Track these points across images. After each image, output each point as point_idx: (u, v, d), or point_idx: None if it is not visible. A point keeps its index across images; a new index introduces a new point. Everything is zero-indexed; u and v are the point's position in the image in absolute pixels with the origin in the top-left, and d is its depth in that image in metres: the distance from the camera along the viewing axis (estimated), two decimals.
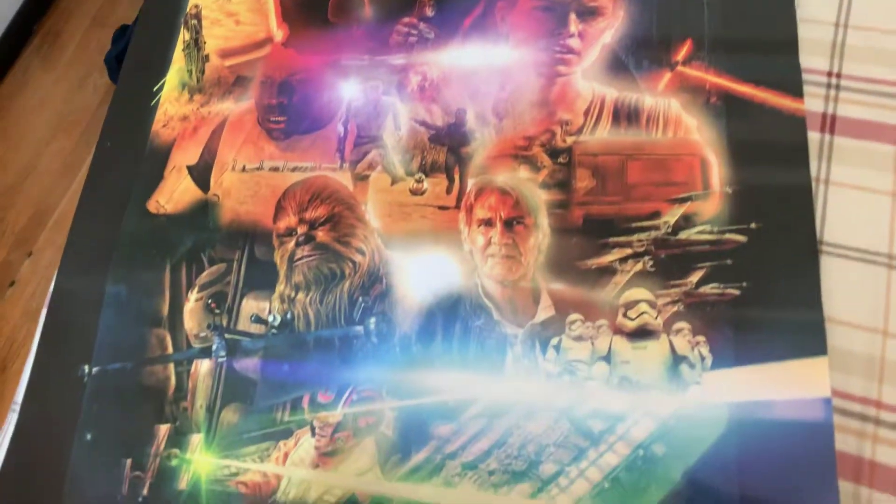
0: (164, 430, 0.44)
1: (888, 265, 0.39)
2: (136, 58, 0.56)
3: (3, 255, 1.65)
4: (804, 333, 0.38)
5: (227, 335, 0.45)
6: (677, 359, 0.40)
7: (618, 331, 0.41)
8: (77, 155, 1.75)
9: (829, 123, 0.43)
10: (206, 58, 0.54)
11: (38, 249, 1.66)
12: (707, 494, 0.37)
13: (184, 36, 0.55)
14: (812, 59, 0.45)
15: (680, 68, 0.46)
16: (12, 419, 0.48)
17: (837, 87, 0.44)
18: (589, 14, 0.48)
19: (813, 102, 0.44)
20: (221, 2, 0.56)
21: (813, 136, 0.43)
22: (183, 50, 0.55)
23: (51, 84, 1.87)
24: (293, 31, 0.53)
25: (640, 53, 0.47)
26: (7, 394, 1.47)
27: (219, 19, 0.55)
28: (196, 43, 0.55)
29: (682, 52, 0.46)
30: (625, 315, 0.41)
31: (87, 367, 0.46)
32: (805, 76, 0.44)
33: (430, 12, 0.51)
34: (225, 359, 0.45)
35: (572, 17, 0.48)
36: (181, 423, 0.44)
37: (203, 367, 0.45)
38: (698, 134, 0.44)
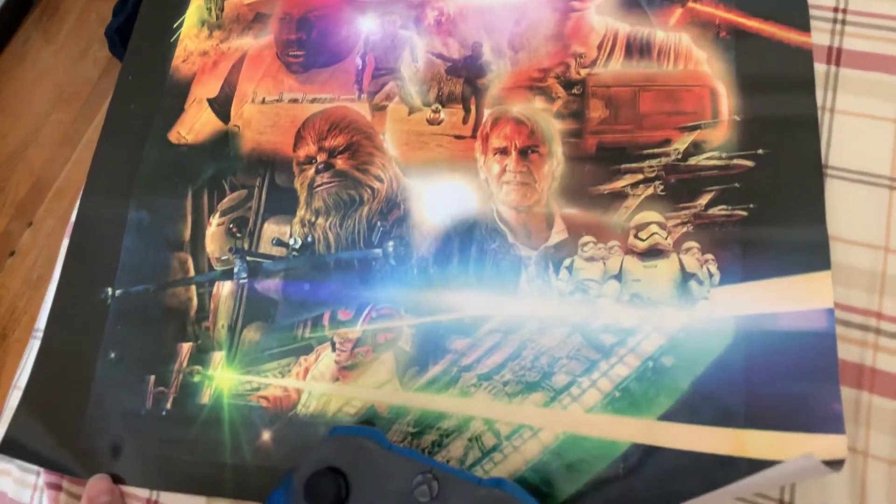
0: (186, 348, 0.45)
1: (890, 187, 0.41)
2: None
3: (4, 225, 1.65)
4: (809, 250, 0.40)
5: (248, 258, 0.46)
6: (686, 276, 0.41)
7: (629, 251, 0.43)
8: (77, 126, 1.75)
9: (836, 56, 0.44)
10: None
11: (38, 219, 1.66)
12: (714, 402, 0.38)
13: None
14: None
15: (691, 4, 0.47)
16: (34, 345, 0.49)
17: (843, 21, 0.45)
18: None
19: (819, 37, 0.45)
20: None
21: (819, 68, 0.44)
22: None
23: (51, 56, 1.87)
24: None
25: None
26: (9, 361, 1.48)
27: None
28: None
29: None
30: (636, 236, 0.43)
31: (110, 290, 0.47)
32: (812, 12, 0.45)
33: None
34: (246, 280, 0.46)
35: None
36: (203, 342, 0.45)
37: (225, 288, 0.46)
38: (708, 66, 0.45)
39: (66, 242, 0.51)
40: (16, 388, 0.48)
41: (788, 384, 0.38)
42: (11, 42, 1.89)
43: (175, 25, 0.54)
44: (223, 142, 0.49)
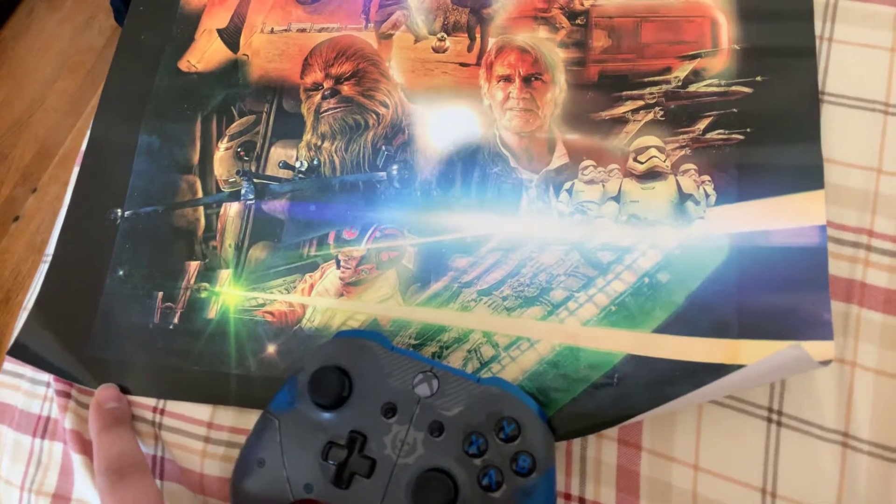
0: (194, 266, 0.46)
1: (884, 112, 0.42)
2: None
3: (9, 190, 1.66)
4: (803, 171, 0.41)
5: (255, 180, 0.47)
6: (683, 196, 0.42)
7: (628, 174, 0.44)
8: (82, 94, 1.76)
9: None
10: None
11: (42, 185, 1.67)
12: (707, 314, 0.40)
13: None
14: None
15: None
16: (43, 269, 0.50)
17: None
18: None
19: None
20: None
21: (818, 0, 0.45)
22: None
23: (55, 25, 1.87)
24: None
25: None
26: (12, 324, 1.49)
27: None
28: None
29: None
30: (635, 160, 0.44)
31: (119, 211, 0.48)
32: None
33: None
34: (253, 201, 0.47)
35: None
36: (210, 260, 0.46)
37: (232, 209, 0.47)
38: None
39: (76, 170, 0.52)
40: (25, 310, 0.49)
41: (780, 296, 0.39)
42: (17, 12, 1.90)
43: None
44: (232, 70, 0.50)
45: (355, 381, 0.37)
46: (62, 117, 1.75)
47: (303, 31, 0.51)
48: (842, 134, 0.42)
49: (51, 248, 0.51)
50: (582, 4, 0.48)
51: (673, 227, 0.42)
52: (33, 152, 1.72)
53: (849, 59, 0.43)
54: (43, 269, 0.51)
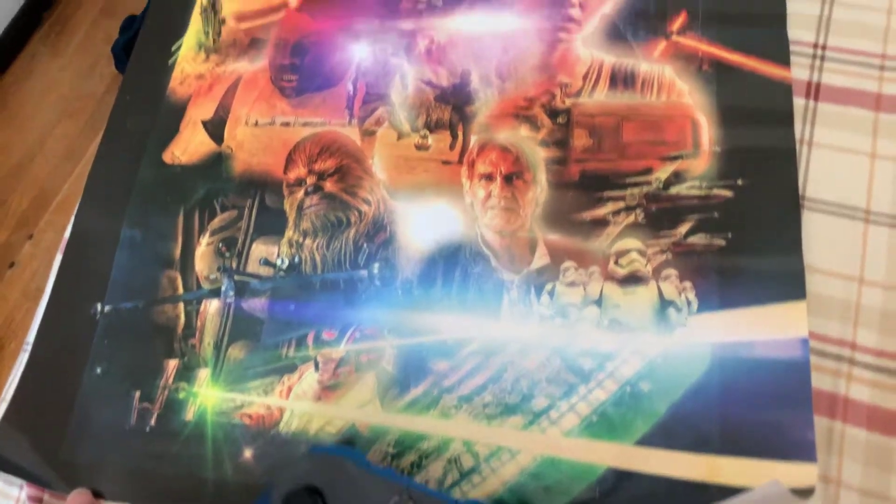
0: (172, 364, 0.46)
1: (865, 219, 0.42)
2: (155, 20, 0.58)
3: (5, 236, 1.67)
4: (785, 280, 0.40)
5: (236, 276, 0.47)
6: (665, 303, 0.42)
7: (609, 277, 0.43)
8: (81, 140, 1.77)
9: (814, 90, 0.45)
10: (223, 21, 0.56)
11: (39, 231, 1.67)
12: (689, 427, 0.39)
13: (201, 0, 0.58)
14: (799, 31, 0.47)
15: (675, 38, 0.48)
16: (23, 359, 0.50)
17: (822, 57, 0.46)
18: None
19: (799, 71, 0.46)
20: None
21: (798, 102, 0.45)
22: (200, 13, 0.57)
23: (57, 71, 1.89)
24: None
25: (638, 23, 0.49)
26: (4, 372, 1.48)
27: None
28: (213, 7, 0.57)
29: (678, 23, 0.49)
30: (616, 262, 0.43)
31: (99, 306, 0.48)
32: (792, 47, 0.47)
33: None
34: (233, 299, 0.47)
35: None
36: (189, 359, 0.46)
37: (212, 306, 0.47)
38: (690, 98, 0.46)
39: (59, 257, 0.52)
40: (4, 401, 0.49)
41: (763, 412, 0.38)
42: (20, 57, 1.92)
43: (173, 48, 0.56)
44: (216, 163, 0.50)
45: (329, 502, 0.36)
46: (61, 163, 1.76)
47: (287, 125, 0.51)
48: (823, 241, 0.41)
49: (31, 337, 0.50)
50: (563, 103, 0.48)
51: (654, 335, 0.41)
52: (31, 198, 1.73)
53: (829, 164, 0.43)
54: (23, 357, 0.50)
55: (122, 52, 1.73)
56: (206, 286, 0.48)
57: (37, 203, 1.72)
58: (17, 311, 1.58)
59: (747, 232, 0.42)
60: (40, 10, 1.97)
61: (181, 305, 0.47)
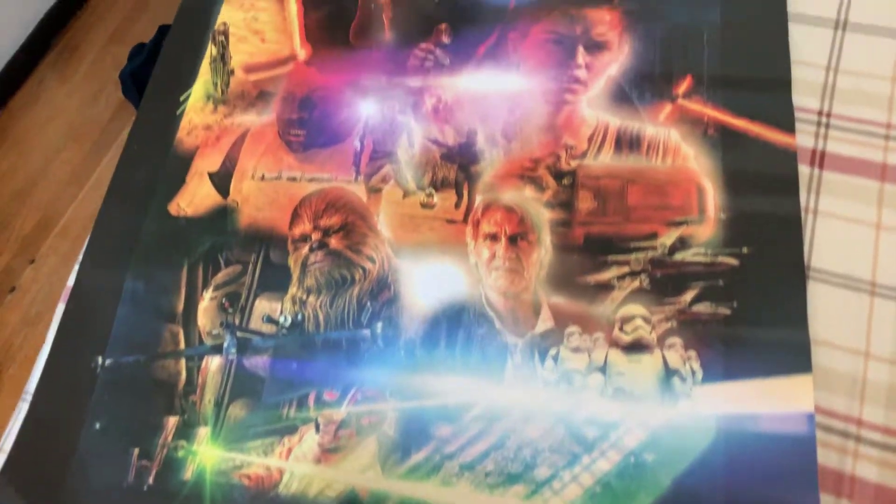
0: (172, 422, 0.46)
1: (871, 292, 0.41)
2: (164, 69, 0.59)
3: (7, 260, 1.67)
4: (791, 352, 0.40)
5: (238, 333, 0.47)
6: (669, 372, 0.42)
7: (614, 343, 0.43)
8: (86, 166, 1.78)
9: (819, 158, 0.46)
10: (232, 72, 0.57)
11: (41, 256, 1.67)
12: (694, 500, 0.38)
13: (211, 51, 0.58)
14: (804, 98, 0.48)
15: (680, 101, 0.49)
16: (23, 408, 0.50)
17: (827, 125, 0.47)
18: (596, 48, 0.51)
19: (804, 138, 0.46)
20: (248, 20, 0.59)
21: (803, 170, 0.45)
22: (210, 64, 0.58)
23: (65, 96, 1.91)
24: (316, 50, 0.56)
25: (643, 86, 0.49)
26: (2, 398, 1.47)
27: (245, 36, 0.58)
28: (222, 58, 0.57)
29: (683, 86, 0.49)
30: (621, 329, 0.43)
31: (100, 359, 0.48)
32: (797, 114, 0.47)
33: (446, 39, 0.54)
34: (235, 356, 0.46)
35: (580, 49, 0.51)
36: (189, 416, 0.45)
37: (213, 363, 0.47)
38: (695, 162, 0.47)
39: (61, 307, 0.52)
40: (1, 451, 0.48)
41: (768, 488, 0.38)
42: (28, 81, 1.94)
43: (182, 98, 0.56)
44: (221, 216, 0.51)
45: None
46: (64, 188, 1.77)
47: (293, 179, 0.51)
48: (829, 313, 0.41)
49: (31, 386, 0.50)
50: (568, 164, 0.48)
51: (659, 404, 0.41)
52: (34, 222, 1.73)
53: (834, 234, 0.43)
54: (21, 407, 0.50)
55: (130, 80, 1.74)
56: (208, 342, 0.47)
57: (40, 227, 1.73)
58: (16, 336, 1.58)
59: (753, 302, 0.42)
60: (50, 36, 1.99)
61: (183, 361, 0.47)
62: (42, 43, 1.98)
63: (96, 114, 1.86)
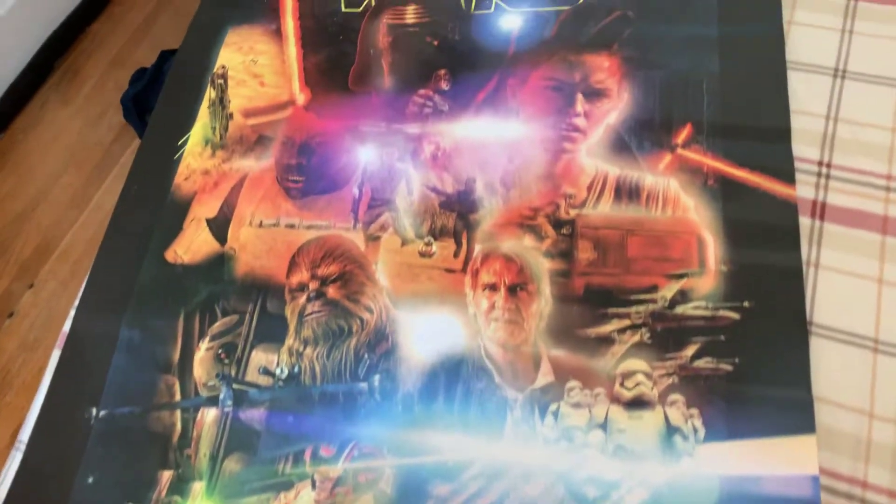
0: (166, 476, 0.45)
1: (874, 349, 0.41)
2: (163, 112, 0.59)
3: (6, 284, 1.66)
4: (794, 411, 0.40)
5: (234, 385, 0.46)
6: (671, 430, 0.41)
7: (614, 399, 0.42)
8: (86, 190, 1.78)
9: (820, 210, 0.45)
10: (230, 116, 0.57)
11: (40, 281, 1.67)
12: None
13: (210, 94, 0.58)
14: (804, 148, 0.47)
15: (680, 151, 0.48)
16: (16, 457, 0.49)
17: (828, 176, 0.46)
18: (595, 95, 0.51)
19: (804, 189, 0.46)
20: (247, 63, 0.59)
21: (804, 222, 0.45)
22: (208, 107, 0.58)
23: (66, 119, 1.92)
24: (315, 95, 0.56)
25: (643, 135, 0.49)
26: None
27: (244, 80, 0.59)
28: (221, 101, 0.57)
29: (683, 135, 0.49)
30: (622, 384, 0.43)
31: (94, 410, 0.47)
32: (797, 164, 0.47)
33: (445, 86, 0.54)
34: (231, 408, 0.46)
35: (579, 97, 0.51)
36: (184, 470, 0.45)
37: (209, 415, 0.46)
38: (695, 213, 0.46)
39: (56, 354, 0.51)
40: None
41: None
42: (30, 104, 1.95)
43: (180, 143, 0.56)
44: (218, 264, 0.50)
45: None
46: (65, 212, 1.77)
47: (291, 226, 0.51)
48: (832, 370, 0.41)
49: (24, 435, 0.49)
50: (568, 213, 0.48)
51: (661, 463, 0.40)
52: (33, 246, 1.73)
53: (836, 288, 0.43)
54: (15, 456, 0.49)
55: (131, 104, 1.75)
56: (204, 393, 0.47)
57: (39, 251, 1.72)
58: (14, 362, 1.57)
59: (754, 358, 0.42)
60: (52, 59, 2.01)
61: (178, 413, 0.46)
62: (45, 66, 1.99)
63: (98, 137, 1.87)
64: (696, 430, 0.41)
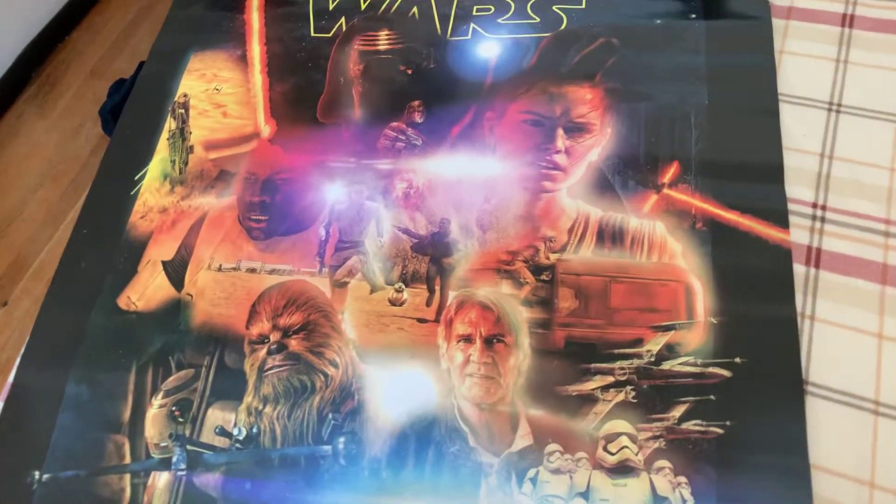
0: None
1: (874, 412, 0.38)
2: (120, 144, 0.55)
3: None
4: (789, 480, 0.37)
5: (188, 447, 0.43)
6: (658, 500, 0.38)
7: (597, 465, 0.39)
8: (63, 204, 1.74)
9: (815, 257, 0.42)
10: (191, 149, 0.53)
11: (14, 300, 1.62)
12: None
13: (170, 125, 0.55)
14: (798, 189, 0.45)
15: (666, 191, 0.46)
16: None
17: (823, 219, 0.44)
18: (577, 130, 0.48)
19: (798, 234, 0.43)
20: (210, 92, 0.56)
21: (798, 269, 0.42)
22: (168, 139, 0.54)
23: (43, 132, 1.87)
24: (281, 127, 0.53)
25: (627, 173, 0.46)
26: None
27: (206, 110, 0.55)
28: (181, 133, 0.54)
29: (669, 174, 0.46)
30: (605, 448, 0.40)
31: (37, 474, 0.43)
32: (790, 206, 0.44)
33: (418, 118, 0.51)
34: (185, 472, 0.42)
35: (560, 132, 0.48)
36: None
37: (161, 479, 0.42)
38: (683, 260, 0.43)
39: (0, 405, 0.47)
40: None
41: None
42: (6, 116, 1.90)
43: (137, 177, 0.53)
44: (174, 312, 0.47)
45: None
46: (40, 228, 1.72)
47: (252, 270, 0.48)
48: (829, 435, 0.38)
49: None
50: (547, 258, 0.45)
51: None
52: (7, 263, 1.68)
53: (833, 345, 0.40)
54: None
55: (110, 116, 1.71)
56: (155, 454, 0.43)
57: (14, 268, 1.68)
58: None
59: (747, 421, 0.39)
60: (30, 70, 1.96)
61: (127, 477, 0.43)
62: (22, 77, 1.94)
63: (75, 150, 1.83)
64: (684, 501, 0.38)
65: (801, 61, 0.50)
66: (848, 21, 0.51)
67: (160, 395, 0.45)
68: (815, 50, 0.50)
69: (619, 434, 0.40)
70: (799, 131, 0.47)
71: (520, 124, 0.49)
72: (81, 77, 1.99)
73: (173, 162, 0.53)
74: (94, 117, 1.82)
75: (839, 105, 0.47)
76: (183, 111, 0.55)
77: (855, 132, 0.46)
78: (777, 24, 0.51)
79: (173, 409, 0.44)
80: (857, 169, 0.45)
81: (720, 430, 0.39)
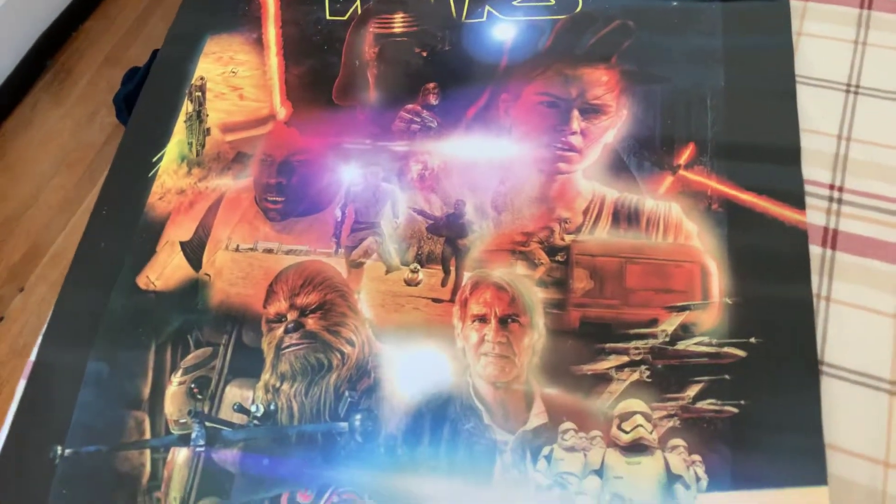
0: None
1: (890, 392, 0.38)
2: (137, 126, 0.56)
3: None
4: (804, 460, 0.37)
5: (207, 423, 0.44)
6: (672, 478, 0.38)
7: (611, 443, 0.40)
8: (78, 191, 1.75)
9: (831, 238, 0.42)
10: (208, 131, 0.54)
11: (30, 285, 1.64)
12: None
13: (187, 107, 0.55)
14: (814, 170, 0.44)
15: (682, 172, 0.46)
16: None
17: (839, 200, 0.43)
18: (592, 112, 0.48)
19: (815, 215, 0.43)
20: (227, 75, 0.56)
21: (814, 251, 0.42)
22: (185, 122, 0.55)
23: (58, 119, 1.89)
24: (297, 110, 0.53)
25: (642, 155, 0.46)
26: None
27: (223, 93, 0.56)
28: (198, 115, 0.54)
29: (685, 155, 0.46)
30: (619, 427, 0.40)
31: (59, 449, 0.44)
32: (807, 187, 0.44)
33: (434, 100, 0.51)
34: (203, 448, 0.43)
35: (575, 113, 0.48)
36: None
37: (180, 455, 0.43)
38: (699, 241, 0.43)
39: (22, 384, 0.48)
40: None
41: None
42: (21, 105, 1.92)
43: (154, 159, 0.53)
44: (192, 291, 0.47)
45: None
46: (56, 214, 1.74)
47: (269, 251, 0.48)
48: (845, 415, 0.38)
49: None
50: (562, 239, 0.45)
51: None
52: (24, 250, 1.70)
53: (849, 325, 0.40)
54: None
55: (123, 104, 1.72)
56: (175, 431, 0.44)
57: (30, 255, 1.70)
58: (3, 368, 1.54)
59: (761, 400, 0.39)
60: (44, 58, 1.97)
61: (147, 453, 0.44)
62: (36, 65, 1.96)
63: (90, 138, 1.84)
64: (698, 479, 0.38)
65: (819, 43, 0.49)
66: (867, 2, 0.50)
67: (179, 372, 0.45)
68: (834, 31, 0.50)
69: (634, 413, 0.40)
70: (816, 113, 0.46)
71: (535, 106, 0.49)
72: (96, 65, 2.00)
73: (190, 144, 0.54)
74: (108, 105, 1.83)
75: (857, 87, 0.47)
76: (200, 94, 0.55)
77: (872, 114, 0.46)
78: (795, 5, 0.51)
79: (192, 386, 0.45)
80: (875, 151, 0.45)
81: (735, 410, 0.39)
